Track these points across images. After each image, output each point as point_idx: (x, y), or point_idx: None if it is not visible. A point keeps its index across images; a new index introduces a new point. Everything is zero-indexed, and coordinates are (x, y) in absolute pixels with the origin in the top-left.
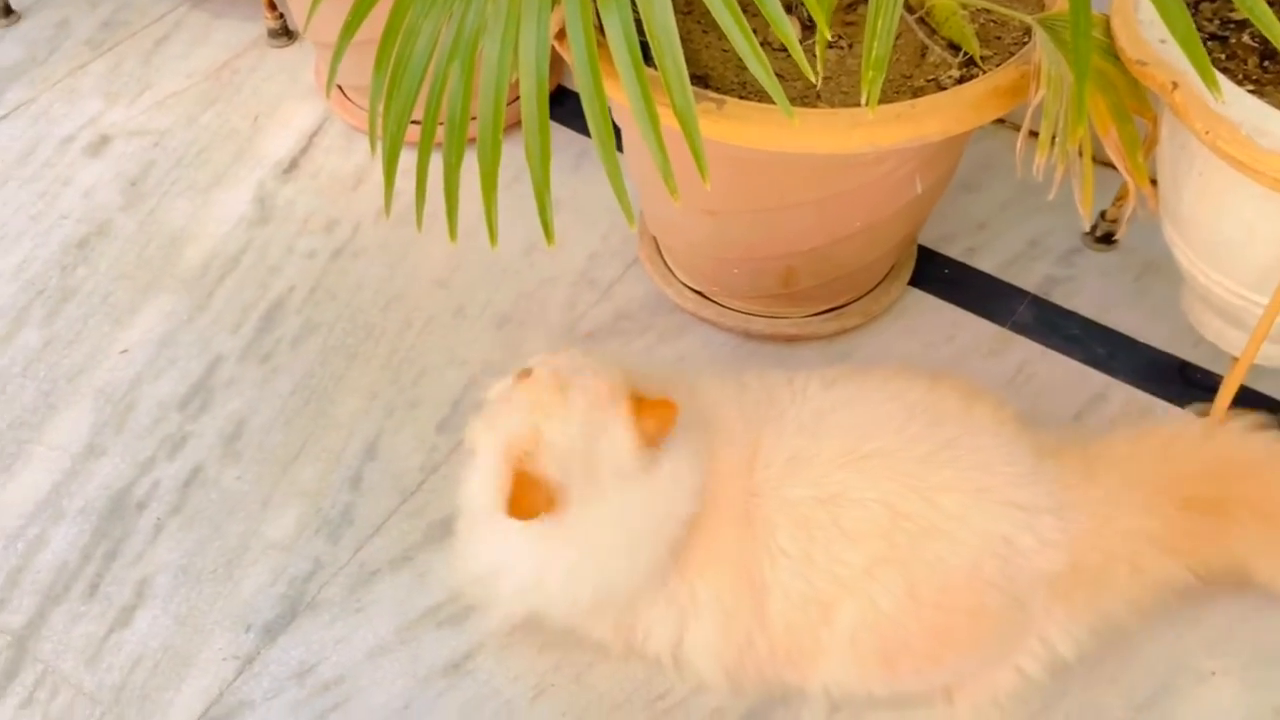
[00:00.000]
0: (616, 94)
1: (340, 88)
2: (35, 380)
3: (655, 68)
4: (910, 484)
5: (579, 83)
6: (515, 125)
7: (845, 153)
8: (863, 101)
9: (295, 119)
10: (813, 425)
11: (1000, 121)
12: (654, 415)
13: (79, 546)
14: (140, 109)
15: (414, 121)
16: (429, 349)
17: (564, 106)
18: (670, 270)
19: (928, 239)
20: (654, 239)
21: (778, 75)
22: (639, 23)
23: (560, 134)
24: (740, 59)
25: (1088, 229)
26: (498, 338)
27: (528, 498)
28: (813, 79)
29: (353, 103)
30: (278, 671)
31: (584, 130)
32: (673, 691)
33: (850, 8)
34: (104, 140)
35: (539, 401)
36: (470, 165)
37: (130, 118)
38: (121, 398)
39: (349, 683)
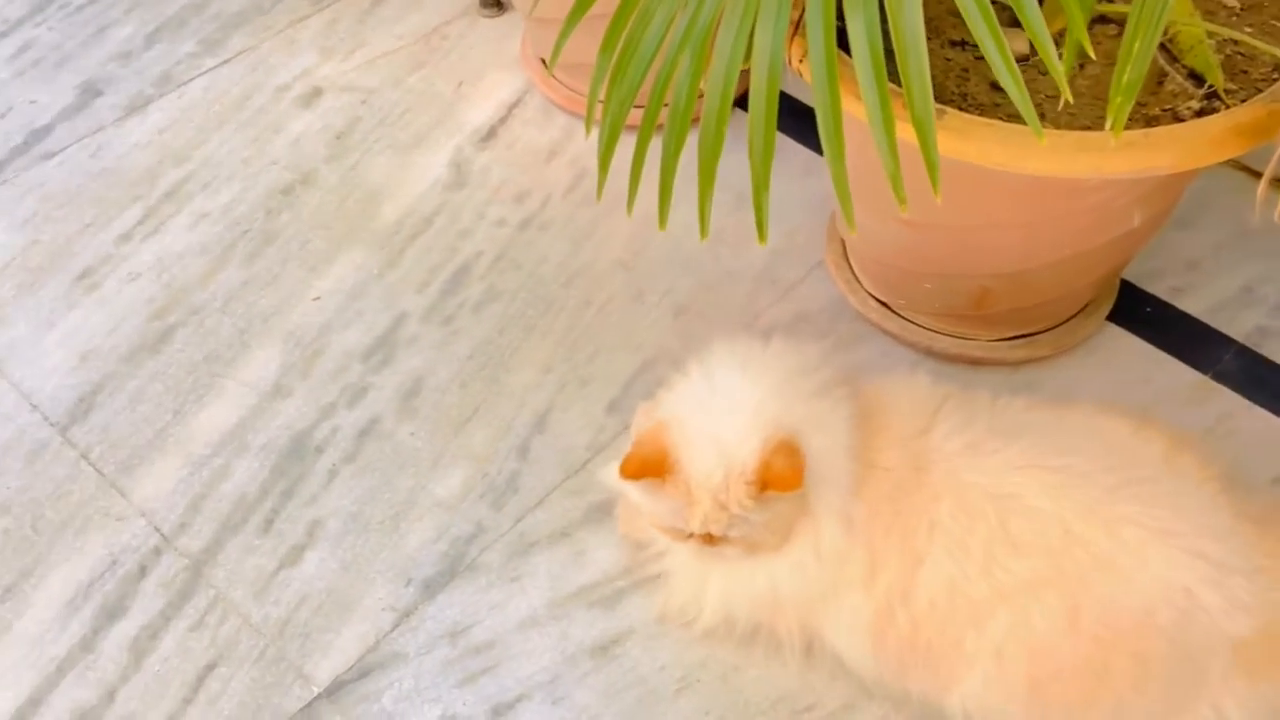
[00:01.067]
0: (851, 100)
1: (542, 61)
2: (232, 317)
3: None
4: (1092, 508)
5: (814, 84)
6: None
7: (1068, 177)
8: (1107, 127)
9: (497, 89)
10: (1002, 429)
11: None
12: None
13: (259, 481)
14: (352, 65)
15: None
16: (605, 329)
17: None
18: (856, 277)
19: (1132, 274)
20: (842, 243)
21: (996, 89)
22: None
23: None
24: (962, 69)
25: None
26: (674, 326)
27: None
28: (1068, 97)
29: (555, 78)
30: (433, 628)
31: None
32: (821, 704)
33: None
34: (316, 93)
35: None
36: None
37: (342, 73)
38: (310, 343)
39: (499, 649)
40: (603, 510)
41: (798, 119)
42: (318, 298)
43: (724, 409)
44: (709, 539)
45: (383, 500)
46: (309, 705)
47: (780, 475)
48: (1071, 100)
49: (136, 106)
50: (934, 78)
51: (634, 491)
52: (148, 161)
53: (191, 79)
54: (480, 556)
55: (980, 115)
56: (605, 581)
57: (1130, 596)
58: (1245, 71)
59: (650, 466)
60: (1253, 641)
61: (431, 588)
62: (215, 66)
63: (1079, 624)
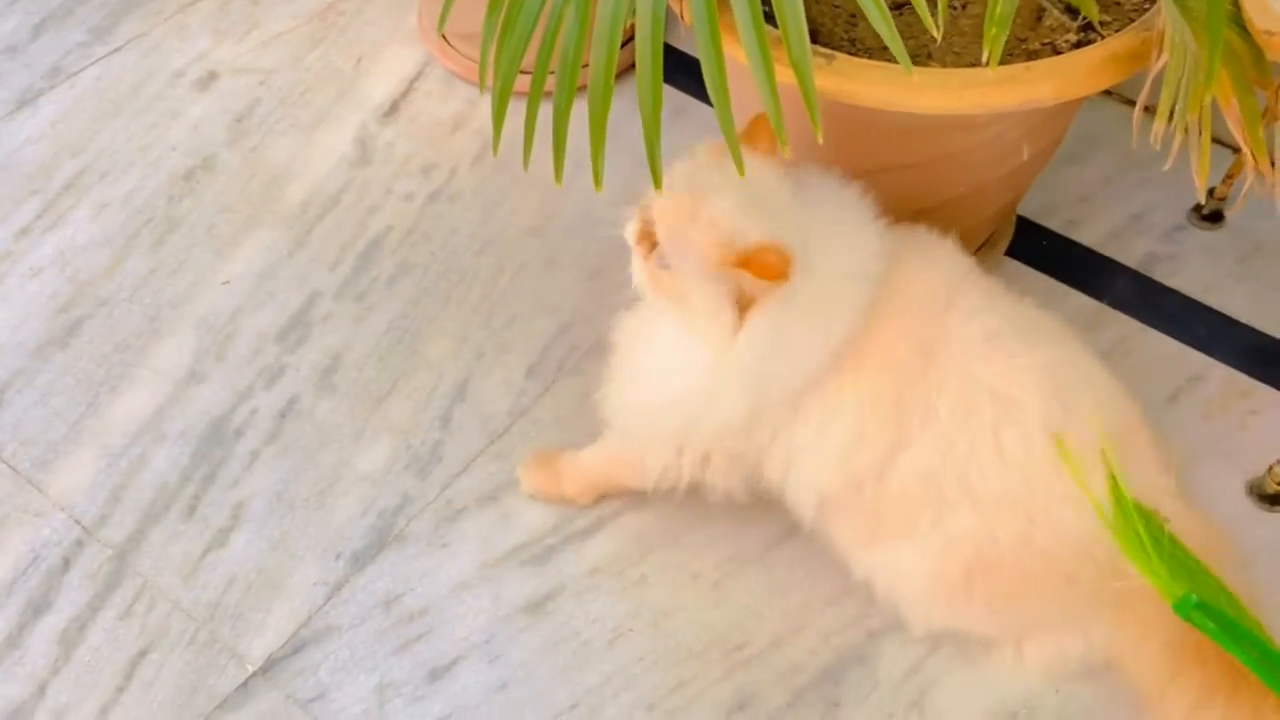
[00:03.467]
0: (732, 45)
1: (443, 35)
2: (141, 306)
3: (769, 18)
4: (1078, 434)
5: (696, 30)
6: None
7: (956, 113)
8: (984, 59)
9: (397, 63)
10: (1021, 326)
11: (1107, 93)
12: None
13: (179, 468)
14: (247, 47)
15: (523, 71)
16: (520, 296)
17: None
18: None
19: (1027, 210)
20: None
21: None
22: None
23: None
24: (850, 14)
25: (1202, 201)
26: (589, 288)
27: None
28: (935, 34)
29: (454, 49)
30: (365, 600)
31: (677, 85)
32: (751, 643)
33: None
34: (212, 76)
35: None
36: (574, 113)
37: (237, 55)
38: (222, 327)
39: (433, 614)
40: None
41: (696, 77)
42: (227, 281)
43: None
44: (650, 247)
45: (307, 478)
46: (244, 684)
47: (765, 266)
48: (938, 36)
49: (27, 100)
50: (823, 24)
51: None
52: (42, 155)
53: (82, 69)
54: (408, 526)
55: (870, 60)
56: (534, 541)
57: (1081, 525)
58: (1118, 3)
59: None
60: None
61: (361, 560)
62: (106, 55)
63: (1033, 541)
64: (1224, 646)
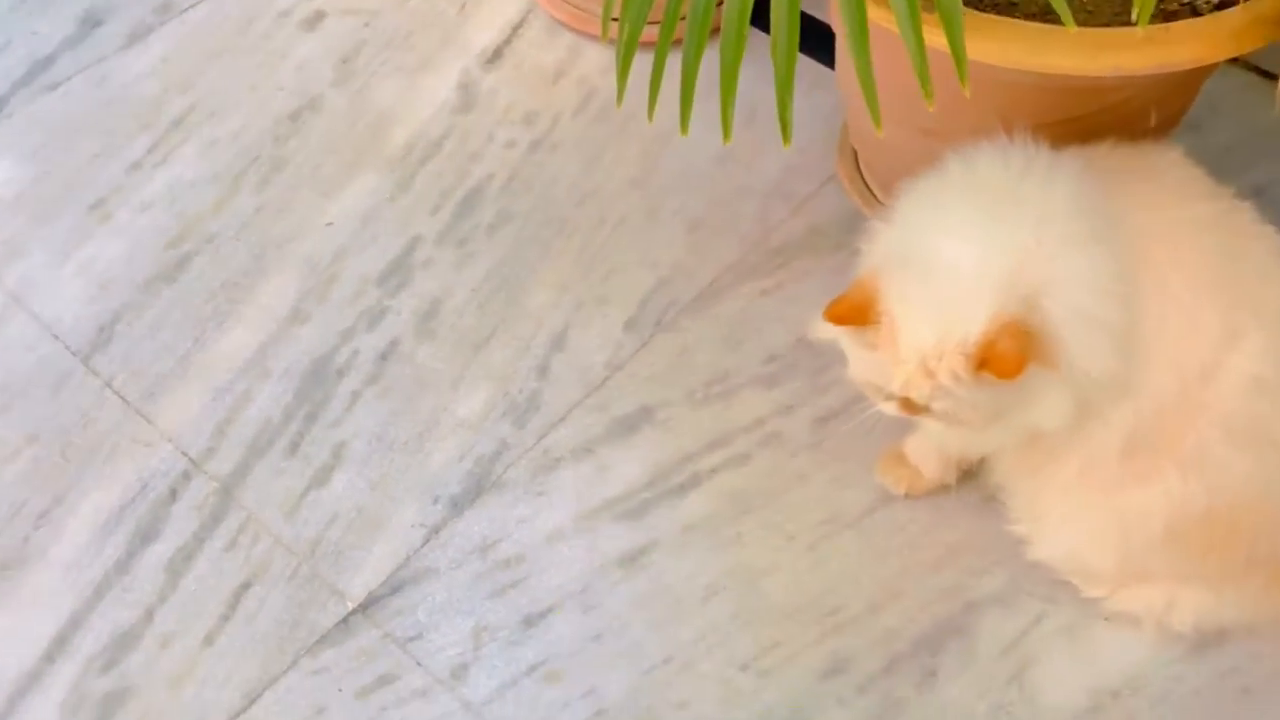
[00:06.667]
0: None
1: None
2: (247, 244)
3: None
4: None
5: None
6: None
7: (1089, 75)
8: (1133, 18)
9: (500, 9)
10: None
11: (1233, 61)
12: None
13: (282, 405)
14: None
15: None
16: (620, 248)
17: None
18: (869, 189)
19: None
20: (854, 156)
21: None
22: None
23: (756, 41)
24: None
25: None
26: (689, 242)
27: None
28: None
29: None
30: (462, 544)
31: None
32: (846, 607)
33: None
34: (319, 16)
35: None
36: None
37: None
38: (326, 268)
39: (528, 562)
40: (625, 425)
41: (803, 33)
42: (331, 223)
43: (952, 260)
44: (908, 406)
45: (406, 421)
46: (345, 620)
47: (1001, 359)
48: None
49: (138, 35)
50: None
51: (840, 337)
52: (153, 90)
53: (193, 5)
54: (505, 473)
55: (999, 15)
56: (630, 494)
57: None
58: None
59: (855, 313)
60: None
61: (459, 505)
62: None
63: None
64: None
